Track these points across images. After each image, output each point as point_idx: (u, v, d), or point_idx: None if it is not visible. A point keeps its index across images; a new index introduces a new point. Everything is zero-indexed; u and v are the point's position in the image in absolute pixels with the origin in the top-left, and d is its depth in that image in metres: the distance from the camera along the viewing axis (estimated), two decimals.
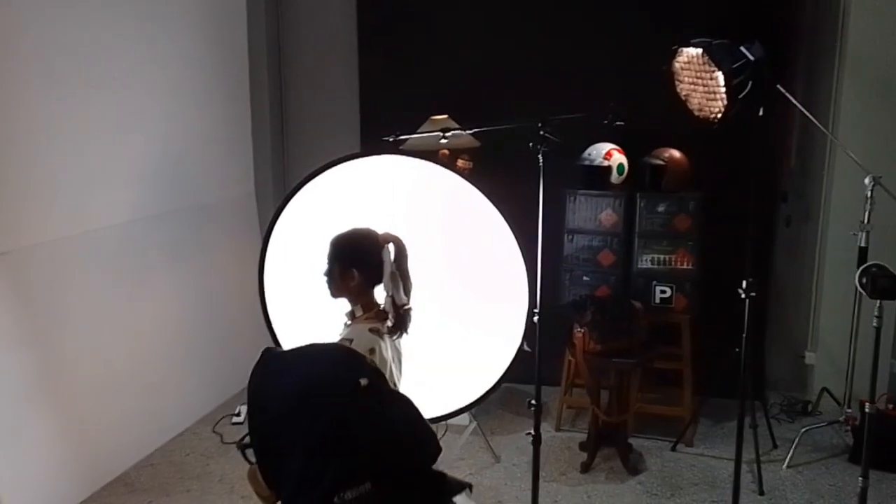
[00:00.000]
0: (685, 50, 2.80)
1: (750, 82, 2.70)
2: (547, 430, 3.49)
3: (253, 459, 0.98)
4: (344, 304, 2.08)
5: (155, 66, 3.42)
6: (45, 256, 2.81)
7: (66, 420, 2.86)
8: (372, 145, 3.44)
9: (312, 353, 1.01)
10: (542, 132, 2.34)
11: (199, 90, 3.78)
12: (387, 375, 2.01)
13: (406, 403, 1.01)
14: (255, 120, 4.22)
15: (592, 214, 3.45)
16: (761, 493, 3.01)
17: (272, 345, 2.69)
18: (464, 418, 3.35)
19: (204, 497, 2.99)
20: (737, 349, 2.90)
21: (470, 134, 3.14)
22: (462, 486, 1.04)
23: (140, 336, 3.31)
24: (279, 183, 4.36)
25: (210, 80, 3.86)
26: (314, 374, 0.98)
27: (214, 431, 3.55)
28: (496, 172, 2.77)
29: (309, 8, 4.29)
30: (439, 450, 0.99)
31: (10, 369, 2.64)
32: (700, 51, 2.74)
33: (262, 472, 0.97)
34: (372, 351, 1.96)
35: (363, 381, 0.96)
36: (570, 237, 3.48)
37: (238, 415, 3.68)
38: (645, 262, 3.41)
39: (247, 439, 0.97)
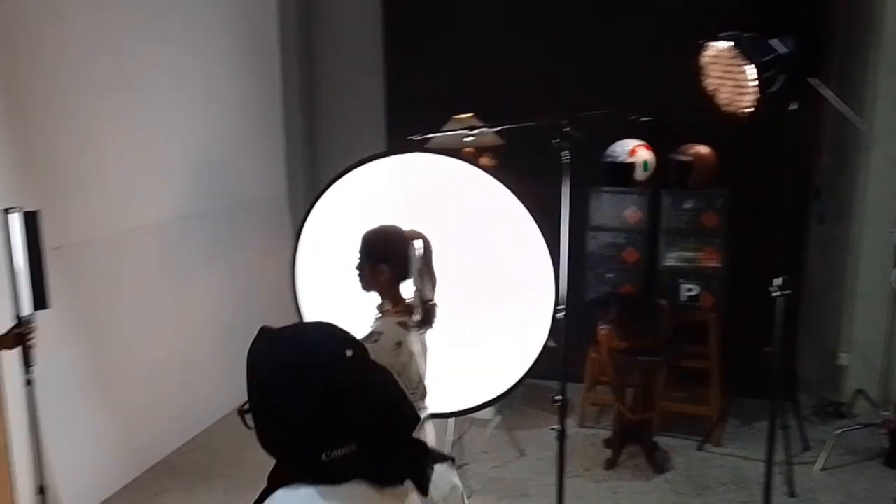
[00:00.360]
0: (713, 44, 2.76)
1: (781, 76, 2.66)
2: (571, 426, 3.48)
3: (251, 424, 1.07)
4: (373, 298, 2.13)
5: (194, 71, 3.56)
6: (94, 251, 2.95)
7: (113, 407, 3.00)
8: (398, 144, 3.48)
9: (302, 329, 1.13)
10: (566, 129, 2.35)
11: (234, 94, 3.91)
12: (413, 368, 2.05)
13: (385, 374, 1.09)
14: (286, 122, 4.34)
15: (617, 211, 3.43)
16: (792, 494, 2.97)
17: None
18: (488, 413, 3.38)
19: (242, 483, 3.07)
20: (767, 348, 2.87)
21: (494, 132, 3.16)
22: (444, 458, 1.12)
23: (182, 328, 3.45)
24: (309, 182, 4.46)
25: (244, 84, 3.99)
26: (304, 346, 1.07)
27: None
28: (519, 170, 2.78)
29: (337, 12, 4.37)
30: (417, 418, 1.08)
31: (63, 358, 2.77)
32: (729, 44, 2.70)
33: (259, 435, 1.06)
34: (399, 344, 2.01)
35: (349, 353, 1.05)
36: (594, 234, 3.47)
37: None
38: (671, 259, 3.38)
39: (246, 406, 1.07)
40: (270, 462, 3.15)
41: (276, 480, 1.03)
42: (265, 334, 1.10)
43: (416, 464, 1.07)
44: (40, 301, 2.27)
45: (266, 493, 1.03)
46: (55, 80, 2.75)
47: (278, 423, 1.04)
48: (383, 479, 1.02)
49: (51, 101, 2.74)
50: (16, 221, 2.20)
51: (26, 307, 2.23)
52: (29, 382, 2.30)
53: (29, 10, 2.63)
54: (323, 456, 0.99)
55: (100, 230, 2.98)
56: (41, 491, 2.39)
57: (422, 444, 1.11)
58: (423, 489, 1.07)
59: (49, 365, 2.47)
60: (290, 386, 1.02)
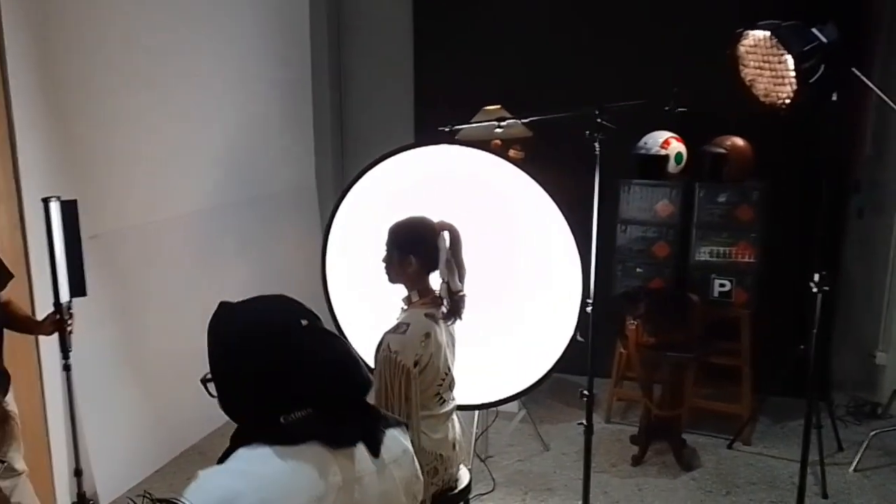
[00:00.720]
0: (751, 33, 2.69)
1: (822, 66, 2.58)
2: (597, 421, 3.43)
3: (214, 392, 1.13)
4: (401, 290, 2.14)
5: (226, 65, 3.61)
6: (129, 240, 3.02)
7: (146, 393, 3.07)
8: (427, 135, 3.47)
9: (260, 301, 1.18)
10: (599, 120, 2.32)
11: (265, 87, 3.95)
12: (441, 359, 2.06)
13: (340, 342, 1.16)
14: (315, 113, 4.38)
15: (647, 205, 3.38)
16: (825, 495, 2.91)
17: (333, 326, 2.80)
18: (514, 406, 3.37)
19: None
20: (801, 346, 2.80)
21: (524, 123, 3.14)
22: (398, 423, 1.21)
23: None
24: (338, 173, 4.50)
25: (275, 77, 4.03)
26: (262, 317, 1.14)
27: None
28: (547, 162, 2.75)
29: (367, 4, 4.37)
30: (369, 384, 1.15)
31: (100, 343, 2.84)
32: (767, 33, 2.62)
33: (221, 401, 1.13)
34: (427, 335, 2.01)
35: (304, 322, 1.12)
36: (624, 228, 3.43)
37: None
38: (703, 254, 3.32)
39: (208, 376, 1.13)
40: None
41: (238, 441, 1.09)
42: (225, 307, 1.16)
43: (368, 427, 1.13)
44: (78, 288, 2.32)
45: (228, 453, 1.09)
46: (91, 73, 2.80)
47: (239, 389, 1.10)
48: (337, 440, 1.08)
49: (87, 94, 2.79)
50: (55, 210, 2.26)
51: (64, 294, 2.29)
52: (66, 368, 2.36)
53: (64, 3, 2.68)
54: (281, 419, 1.06)
55: (135, 220, 3.04)
56: (77, 473, 2.46)
57: (374, 409, 1.17)
58: (375, 451, 1.13)
59: (85, 351, 2.54)
60: (250, 354, 1.08)
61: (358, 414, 1.13)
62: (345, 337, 2.80)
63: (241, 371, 1.09)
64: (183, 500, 0.99)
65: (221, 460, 1.08)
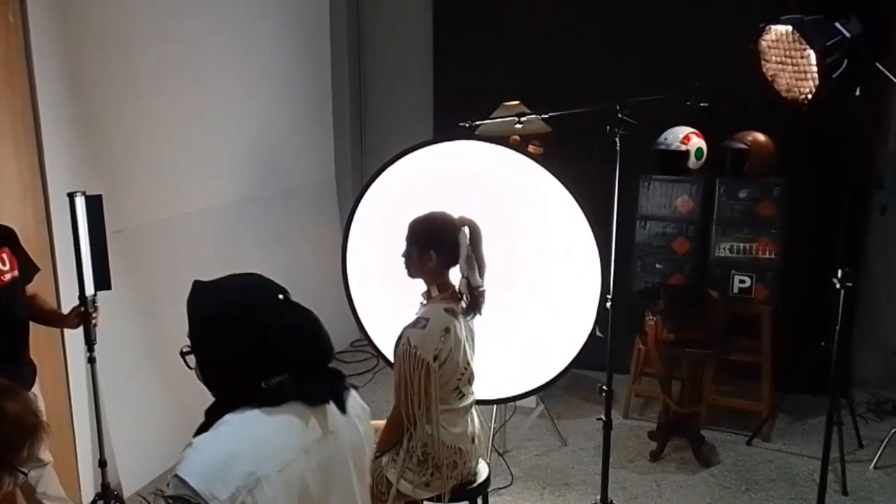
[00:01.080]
0: (773, 27, 2.66)
1: (845, 61, 2.54)
2: (615, 417, 3.41)
3: (192, 364, 1.23)
4: (420, 284, 2.15)
5: (248, 61, 3.63)
6: (152, 235, 3.05)
7: (169, 385, 3.10)
8: (446, 131, 3.48)
9: (237, 279, 1.29)
10: (619, 115, 2.31)
11: (286, 83, 3.98)
12: (460, 354, 2.06)
13: (309, 313, 1.27)
14: (336, 109, 4.40)
15: (667, 200, 3.36)
16: (845, 493, 2.89)
17: (353, 322, 2.83)
18: (531, 401, 3.38)
19: None
20: (822, 343, 2.77)
21: (543, 119, 3.13)
22: (355, 387, 1.35)
23: None
24: (357, 168, 4.52)
25: (296, 72, 4.06)
26: (242, 292, 1.26)
27: None
28: (566, 158, 2.75)
29: (387, 1, 4.38)
30: (333, 348, 1.29)
31: (124, 336, 2.88)
32: (790, 28, 2.59)
33: (202, 373, 1.23)
34: (447, 330, 2.02)
35: (280, 296, 1.25)
36: (643, 224, 3.41)
37: None
38: (723, 250, 3.30)
39: (186, 349, 1.23)
40: None
41: (215, 413, 1.18)
42: (201, 286, 1.26)
43: (335, 387, 1.27)
44: (102, 282, 2.36)
45: (204, 427, 1.16)
46: (116, 69, 2.83)
47: (222, 361, 1.19)
48: (312, 399, 1.21)
49: (111, 90, 2.82)
50: (80, 205, 2.29)
51: (89, 288, 2.32)
52: (91, 360, 2.40)
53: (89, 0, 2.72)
54: (262, 384, 1.17)
55: (158, 214, 3.08)
56: (101, 465, 2.50)
57: (337, 371, 1.30)
58: (342, 407, 1.27)
59: (110, 344, 2.57)
60: (236, 327, 1.18)
61: (326, 376, 1.26)
62: (366, 332, 2.83)
63: (227, 344, 1.18)
64: (182, 477, 1.05)
65: (200, 432, 1.16)
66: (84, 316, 2.31)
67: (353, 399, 1.31)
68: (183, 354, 1.22)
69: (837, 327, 2.52)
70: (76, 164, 2.69)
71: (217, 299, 1.22)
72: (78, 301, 2.32)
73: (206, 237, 3.38)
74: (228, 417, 1.15)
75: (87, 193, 2.31)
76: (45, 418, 1.03)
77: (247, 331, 1.17)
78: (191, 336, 1.22)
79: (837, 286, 2.52)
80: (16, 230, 2.22)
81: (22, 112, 2.50)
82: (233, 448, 1.10)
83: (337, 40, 4.33)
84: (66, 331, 2.59)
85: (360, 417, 1.31)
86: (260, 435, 1.14)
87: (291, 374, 1.19)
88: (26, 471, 1.01)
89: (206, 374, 1.22)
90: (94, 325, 2.34)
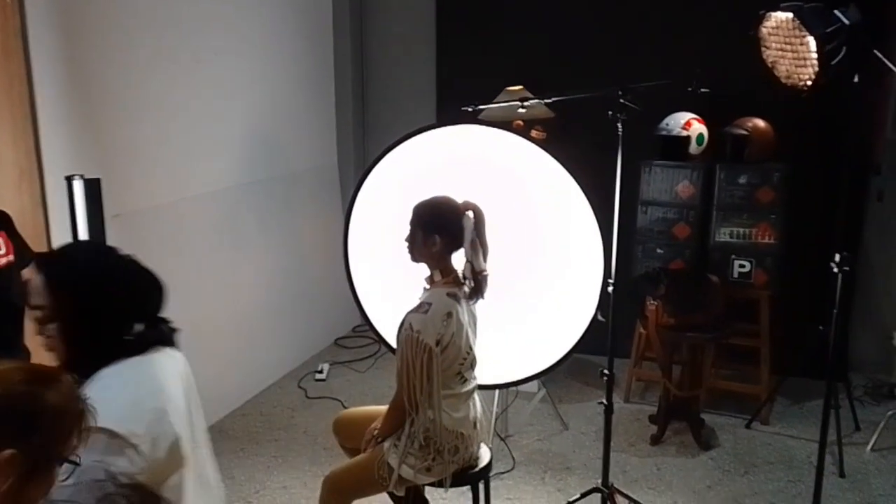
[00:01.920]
0: (774, 14, 2.65)
1: (844, 48, 2.54)
2: (616, 401, 3.43)
3: (52, 333, 1.35)
4: (423, 269, 2.14)
5: (249, 44, 3.59)
6: (152, 219, 3.02)
7: None
8: (449, 115, 3.46)
9: (81, 247, 1.54)
10: (621, 100, 2.30)
11: (287, 66, 3.93)
12: (463, 339, 2.07)
13: (141, 265, 1.45)
14: (338, 93, 4.37)
15: (668, 186, 3.36)
16: (842, 475, 2.92)
17: (356, 308, 2.83)
18: (533, 385, 3.39)
19: (290, 447, 3.17)
20: (821, 327, 2.78)
21: (546, 104, 3.11)
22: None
23: (235, 296, 3.54)
24: (359, 153, 4.50)
25: (298, 56, 4.01)
26: (92, 257, 1.45)
27: (299, 386, 3.75)
28: (569, 143, 2.74)
29: None
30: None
31: None
32: (790, 15, 2.59)
33: (66, 339, 1.34)
34: (449, 315, 2.02)
35: (124, 254, 1.44)
36: (645, 209, 3.42)
37: (321, 372, 3.87)
38: (723, 235, 3.31)
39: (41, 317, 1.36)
40: (319, 430, 3.26)
41: (84, 373, 1.30)
42: (46, 260, 1.43)
43: (171, 328, 1.48)
44: None
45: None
46: (115, 51, 2.79)
47: (89, 323, 1.33)
48: (167, 342, 1.44)
49: (111, 73, 2.79)
50: (78, 189, 2.26)
51: None
52: None
53: None
54: (126, 337, 1.35)
55: (157, 199, 3.05)
56: None
57: (164, 318, 1.49)
58: (177, 346, 1.50)
59: None
60: (97, 293, 1.34)
61: (163, 320, 1.47)
62: (368, 318, 2.82)
63: (91, 309, 1.33)
64: (103, 426, 1.14)
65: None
66: None
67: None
68: (40, 324, 1.34)
69: (835, 311, 2.54)
70: (74, 147, 2.66)
71: (76, 271, 1.36)
72: None
73: (206, 222, 3.35)
74: (106, 372, 1.31)
75: (86, 177, 2.28)
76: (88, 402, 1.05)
77: (108, 295, 1.34)
78: (60, 307, 1.33)
79: (835, 270, 2.53)
80: (11, 215, 2.19)
81: (19, 95, 2.47)
82: (132, 392, 1.31)
83: (339, 24, 4.29)
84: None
85: (182, 354, 1.53)
86: (147, 377, 1.34)
87: (145, 324, 1.39)
88: (78, 460, 1.02)
89: (73, 337, 1.33)
90: None
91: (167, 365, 1.41)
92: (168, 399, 1.36)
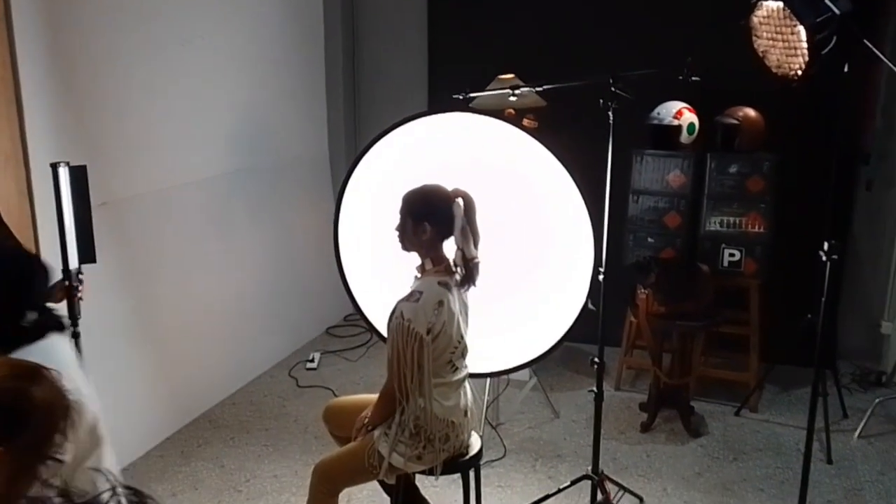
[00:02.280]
0: (765, 3, 2.64)
1: (834, 37, 2.54)
2: (606, 389, 3.44)
3: None
4: (413, 258, 2.13)
5: (239, 31, 3.54)
6: (140, 207, 2.99)
7: (157, 361, 3.08)
8: (440, 103, 3.43)
9: None
10: (613, 89, 2.30)
11: (278, 53, 3.89)
12: (454, 327, 2.06)
13: (28, 253, 1.55)
14: (329, 81, 4.33)
15: (659, 175, 3.36)
16: (829, 461, 2.95)
17: (347, 297, 2.82)
18: (524, 374, 3.40)
19: (280, 436, 3.16)
20: (809, 315, 2.80)
21: (538, 92, 3.10)
22: None
23: (225, 284, 3.51)
24: (350, 141, 4.47)
25: (288, 43, 3.97)
26: None
27: (290, 375, 3.74)
28: (561, 132, 2.73)
29: None
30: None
31: (110, 311, 2.83)
32: (781, 4, 2.58)
33: None
34: (440, 303, 2.02)
35: (7, 244, 1.49)
36: (636, 198, 3.42)
37: (312, 360, 3.86)
38: (713, 224, 3.32)
39: None
40: (310, 419, 3.25)
41: None
42: None
43: (58, 314, 1.58)
44: (87, 255, 2.30)
45: None
46: (101, 36, 2.75)
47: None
48: (61, 326, 1.53)
49: (98, 59, 2.74)
50: (63, 176, 2.22)
51: (73, 261, 2.26)
52: (75, 335, 2.35)
53: None
54: (24, 324, 1.41)
55: (145, 186, 3.02)
56: None
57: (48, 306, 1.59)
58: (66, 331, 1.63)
59: (95, 318, 2.53)
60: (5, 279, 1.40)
61: (50, 308, 1.55)
62: (359, 307, 2.81)
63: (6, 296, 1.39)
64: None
65: None
66: (68, 290, 2.26)
67: None
68: None
69: (823, 299, 2.55)
70: (59, 134, 2.62)
71: None
72: (62, 275, 2.27)
73: (194, 210, 3.32)
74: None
75: (72, 164, 2.25)
76: (73, 396, 1.02)
77: (6, 290, 1.40)
78: None
79: (824, 258, 2.54)
80: None
81: (3, 80, 2.43)
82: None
83: (330, 11, 4.24)
84: (50, 305, 2.54)
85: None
86: (54, 362, 1.32)
87: (38, 311, 1.45)
88: (62, 458, 0.98)
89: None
90: (79, 300, 2.29)
91: (67, 349, 1.49)
92: (77, 383, 1.41)
